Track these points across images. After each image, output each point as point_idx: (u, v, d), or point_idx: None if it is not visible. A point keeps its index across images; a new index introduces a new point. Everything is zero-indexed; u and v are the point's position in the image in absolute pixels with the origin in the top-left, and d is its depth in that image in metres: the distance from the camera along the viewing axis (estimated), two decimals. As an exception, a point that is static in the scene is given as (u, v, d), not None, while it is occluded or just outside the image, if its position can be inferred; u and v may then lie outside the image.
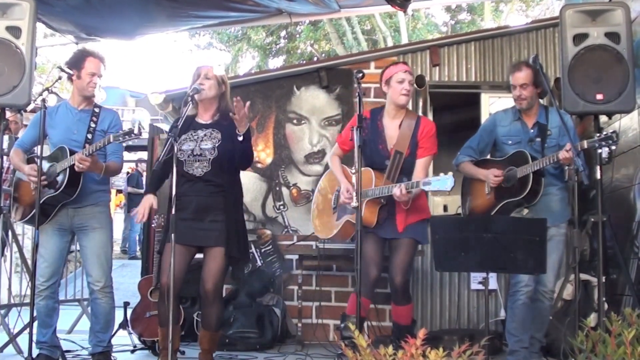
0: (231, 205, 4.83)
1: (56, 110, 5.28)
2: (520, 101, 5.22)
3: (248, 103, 4.73)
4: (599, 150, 4.66)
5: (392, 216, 5.03)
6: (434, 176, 4.71)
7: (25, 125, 7.03)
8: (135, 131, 4.75)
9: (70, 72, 5.15)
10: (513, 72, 5.24)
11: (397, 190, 4.75)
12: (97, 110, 5.33)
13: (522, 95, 5.18)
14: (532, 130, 5.22)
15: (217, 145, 4.84)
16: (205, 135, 4.90)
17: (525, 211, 5.12)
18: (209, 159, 4.82)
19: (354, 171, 5.21)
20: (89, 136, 5.16)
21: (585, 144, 4.67)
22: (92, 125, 5.24)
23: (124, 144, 5.19)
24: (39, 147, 4.99)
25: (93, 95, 5.31)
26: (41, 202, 4.97)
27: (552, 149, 5.08)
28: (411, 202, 4.96)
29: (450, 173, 4.58)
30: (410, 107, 7.22)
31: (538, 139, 5.17)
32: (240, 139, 4.74)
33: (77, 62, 5.24)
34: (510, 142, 5.29)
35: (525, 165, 5.00)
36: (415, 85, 7.19)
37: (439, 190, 4.68)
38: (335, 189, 5.41)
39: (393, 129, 5.18)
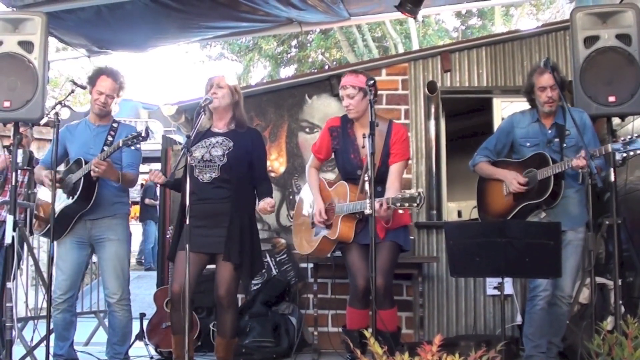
0: (238, 212, 4.83)
1: (76, 127, 5.41)
2: (550, 104, 5.15)
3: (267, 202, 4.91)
4: (618, 155, 4.65)
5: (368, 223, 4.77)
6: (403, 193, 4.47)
7: (36, 139, 7.12)
8: (143, 134, 4.83)
9: (83, 86, 5.21)
10: (541, 75, 5.16)
11: (377, 204, 4.48)
12: (115, 125, 5.42)
13: (553, 97, 5.12)
14: (550, 131, 5.19)
15: (227, 152, 4.86)
16: (217, 142, 4.94)
17: (543, 214, 5.09)
18: (218, 165, 4.84)
19: (333, 183, 5.20)
20: (106, 149, 5.21)
21: (610, 147, 4.64)
22: (110, 139, 5.32)
23: (141, 157, 5.30)
24: (53, 160, 5.04)
25: (101, 113, 5.37)
26: (59, 213, 5.04)
27: (571, 149, 5.06)
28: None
29: (421, 189, 4.42)
30: (422, 113, 7.30)
31: (556, 140, 5.14)
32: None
33: (92, 78, 5.36)
34: (528, 144, 5.25)
35: (546, 167, 4.98)
36: (427, 91, 7.20)
37: (409, 207, 4.42)
38: (312, 205, 5.26)
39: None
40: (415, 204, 4.35)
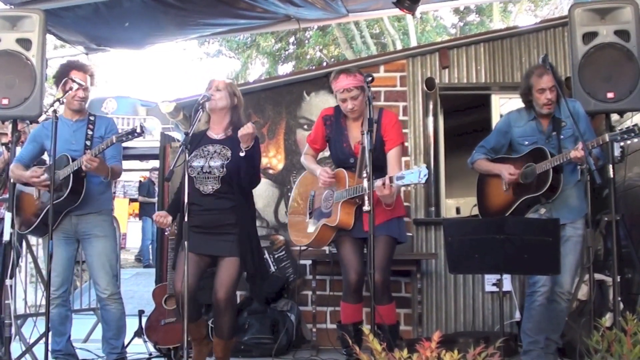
0: (244, 220, 4.84)
1: (52, 124, 5.30)
2: (549, 106, 5.09)
3: (250, 124, 4.69)
4: (616, 145, 4.64)
5: (362, 214, 4.73)
6: (407, 170, 4.44)
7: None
8: (138, 130, 4.79)
9: (81, 83, 5.16)
10: (540, 77, 5.07)
11: (380, 182, 4.49)
12: (92, 118, 5.38)
13: (552, 99, 5.06)
14: (547, 127, 5.17)
15: (226, 163, 4.82)
16: (215, 151, 4.90)
17: (543, 210, 5.08)
18: (218, 176, 4.81)
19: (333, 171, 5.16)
20: (88, 143, 5.22)
21: (607, 137, 4.62)
22: (90, 132, 5.29)
23: (123, 147, 5.33)
24: (51, 157, 5.02)
25: (81, 108, 5.33)
26: (45, 210, 5.01)
27: (569, 140, 5.03)
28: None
29: (424, 164, 4.40)
30: (420, 110, 7.29)
31: (554, 133, 5.11)
32: (242, 154, 4.71)
33: (61, 76, 5.25)
34: (526, 142, 5.22)
35: (544, 161, 4.96)
36: (425, 87, 7.19)
37: (414, 184, 4.36)
38: (310, 193, 5.25)
39: (356, 126, 5.00)
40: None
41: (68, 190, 5.08)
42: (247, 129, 4.63)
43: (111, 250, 5.37)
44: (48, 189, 5.03)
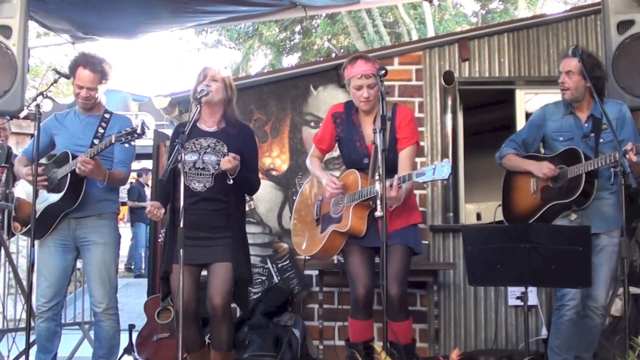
0: (235, 223, 4.86)
1: (66, 116, 5.36)
2: (563, 90, 5.10)
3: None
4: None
5: (376, 221, 4.63)
6: (427, 165, 4.38)
7: (14, 133, 7.08)
8: (139, 131, 4.78)
9: (67, 75, 5.16)
10: (563, 59, 5.13)
11: (387, 182, 4.41)
12: (107, 115, 5.37)
13: (566, 83, 5.06)
14: (585, 125, 5.14)
15: (222, 159, 4.81)
16: (209, 146, 4.90)
17: (574, 216, 5.05)
18: (212, 173, 4.82)
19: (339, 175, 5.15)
20: (96, 141, 5.19)
21: None
22: (101, 130, 5.27)
23: (134, 154, 5.33)
24: (35, 155, 5.02)
25: (86, 107, 5.34)
26: (42, 211, 5.01)
27: (608, 145, 4.99)
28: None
29: (447, 159, 4.36)
30: (438, 106, 7.27)
31: (592, 135, 5.08)
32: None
33: (70, 71, 5.27)
34: (561, 138, 5.19)
35: (578, 164, 4.94)
36: (443, 82, 7.16)
37: (435, 180, 4.36)
38: (317, 198, 5.23)
39: (369, 121, 4.97)
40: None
41: (65, 190, 5.07)
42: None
43: (111, 260, 5.33)
44: (45, 188, 5.06)
